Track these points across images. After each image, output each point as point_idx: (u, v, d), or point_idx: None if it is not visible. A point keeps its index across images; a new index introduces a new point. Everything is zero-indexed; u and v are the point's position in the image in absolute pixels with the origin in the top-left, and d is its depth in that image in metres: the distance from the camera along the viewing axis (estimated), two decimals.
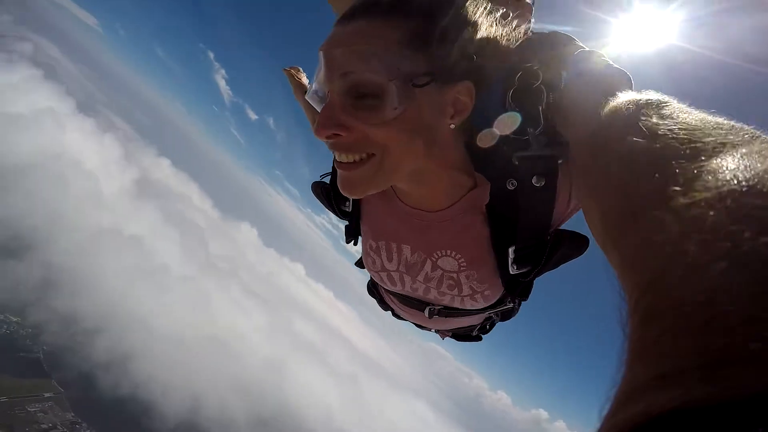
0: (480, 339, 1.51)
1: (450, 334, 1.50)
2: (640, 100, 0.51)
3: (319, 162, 1.18)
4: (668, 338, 0.21)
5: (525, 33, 0.86)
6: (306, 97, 0.81)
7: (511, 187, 0.83)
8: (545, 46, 0.85)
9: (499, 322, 1.38)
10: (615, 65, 0.77)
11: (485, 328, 1.42)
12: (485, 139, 0.80)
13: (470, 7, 0.74)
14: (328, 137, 0.72)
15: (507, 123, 0.79)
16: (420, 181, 0.84)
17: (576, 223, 0.88)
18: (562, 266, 0.91)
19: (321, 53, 0.73)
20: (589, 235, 0.82)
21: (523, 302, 1.14)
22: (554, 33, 0.90)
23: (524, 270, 0.89)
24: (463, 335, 1.47)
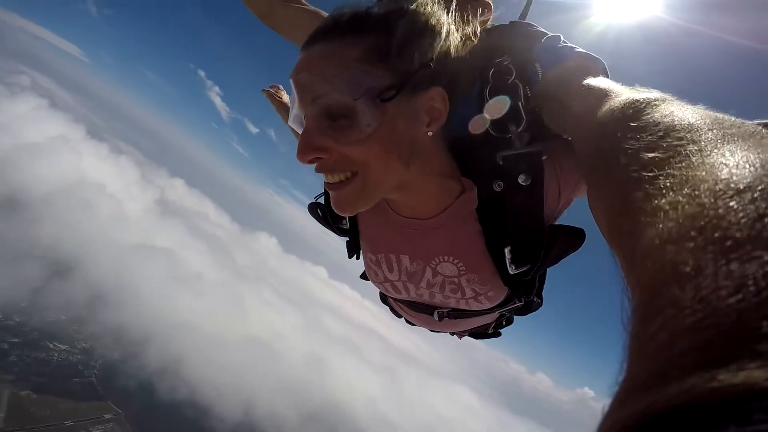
0: (499, 335, 1.48)
1: (466, 333, 1.48)
2: (639, 98, 0.50)
3: None
4: (669, 337, 0.21)
5: (485, 28, 0.86)
6: (288, 123, 0.83)
7: (498, 189, 0.83)
8: (510, 39, 0.84)
9: (521, 316, 1.34)
10: (585, 51, 0.76)
11: (501, 324, 1.39)
12: (476, 125, 0.79)
13: (427, 13, 0.74)
14: (310, 161, 0.74)
15: (496, 107, 0.78)
16: (408, 191, 0.85)
17: (577, 215, 0.86)
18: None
19: (291, 80, 0.74)
20: (587, 228, 0.82)
21: (544, 297, 1.13)
22: (514, 23, 0.89)
23: (523, 269, 0.88)
24: (479, 334, 1.46)
